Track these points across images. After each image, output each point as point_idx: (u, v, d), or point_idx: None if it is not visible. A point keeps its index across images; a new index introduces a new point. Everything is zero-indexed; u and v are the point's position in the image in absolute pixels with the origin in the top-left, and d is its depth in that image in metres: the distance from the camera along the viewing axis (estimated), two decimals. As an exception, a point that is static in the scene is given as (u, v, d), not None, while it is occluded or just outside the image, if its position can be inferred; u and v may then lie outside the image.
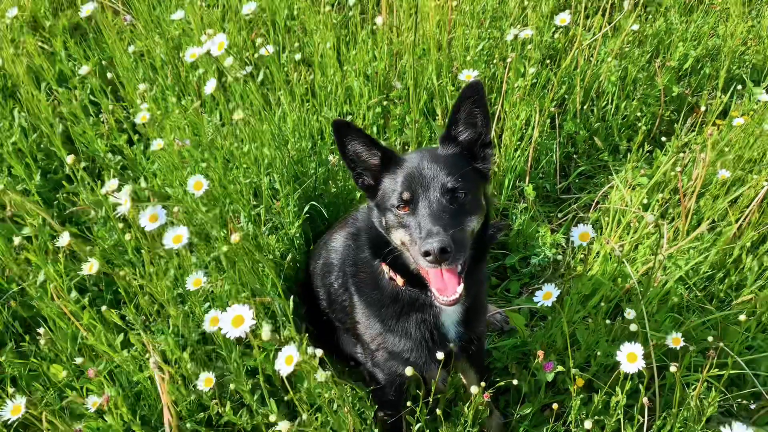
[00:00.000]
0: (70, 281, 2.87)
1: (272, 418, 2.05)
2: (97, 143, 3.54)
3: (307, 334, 2.87)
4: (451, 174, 2.05)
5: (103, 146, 3.57)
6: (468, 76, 3.44)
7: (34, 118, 3.52)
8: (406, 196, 2.06)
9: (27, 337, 2.74)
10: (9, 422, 2.14)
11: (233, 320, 2.01)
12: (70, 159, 2.31)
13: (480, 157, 2.22)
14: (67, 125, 3.63)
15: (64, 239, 2.30)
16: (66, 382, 2.64)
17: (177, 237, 2.22)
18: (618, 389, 2.42)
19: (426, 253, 1.89)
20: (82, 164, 3.56)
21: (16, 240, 2.73)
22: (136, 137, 3.53)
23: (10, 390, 2.33)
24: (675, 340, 2.37)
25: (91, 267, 2.17)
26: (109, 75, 3.46)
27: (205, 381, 2.19)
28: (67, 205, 3.29)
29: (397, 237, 2.10)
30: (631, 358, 2.20)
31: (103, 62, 4.05)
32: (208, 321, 2.19)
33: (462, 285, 2.02)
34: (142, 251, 2.77)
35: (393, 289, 2.29)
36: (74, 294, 2.73)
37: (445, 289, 2.03)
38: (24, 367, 2.78)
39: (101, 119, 3.72)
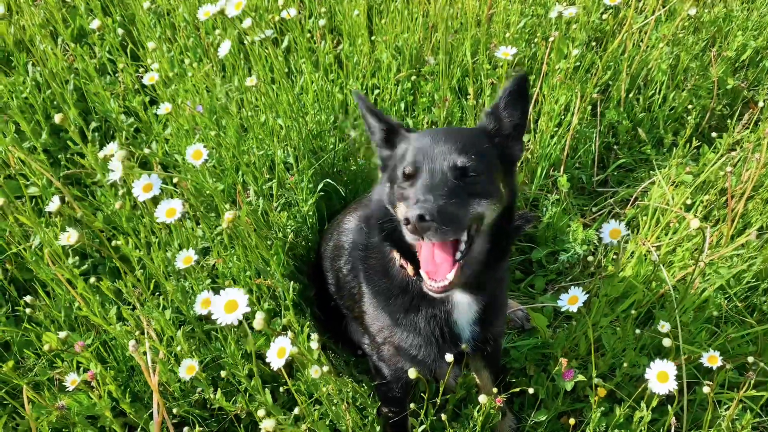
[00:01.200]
0: (69, 247, 2.74)
1: (261, 413, 1.88)
2: (110, 104, 3.39)
3: (309, 322, 2.71)
4: (465, 151, 1.85)
5: (117, 107, 3.42)
6: (505, 53, 3.18)
7: (48, 74, 3.38)
8: (409, 169, 1.88)
9: (22, 302, 2.62)
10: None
11: (226, 305, 1.84)
12: (58, 118, 2.15)
13: (509, 145, 2.04)
14: (80, 83, 3.49)
15: (55, 204, 2.15)
16: (57, 352, 2.52)
17: (170, 210, 2.05)
18: (643, 404, 2.22)
19: (406, 221, 1.69)
20: (94, 124, 3.44)
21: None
22: (147, 99, 3.37)
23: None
24: (711, 359, 2.14)
25: (69, 237, 2.02)
26: (120, 31, 3.29)
27: (188, 369, 2.04)
28: (70, 166, 3.16)
29: (400, 212, 1.91)
30: (662, 377, 1.98)
31: (125, 19, 3.90)
32: (200, 302, 2.02)
33: (454, 271, 1.80)
34: (144, 220, 2.63)
35: (403, 278, 2.10)
36: (72, 260, 2.60)
37: (435, 272, 1.81)
38: (16, 333, 2.67)
39: (118, 78, 3.57)
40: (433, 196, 1.74)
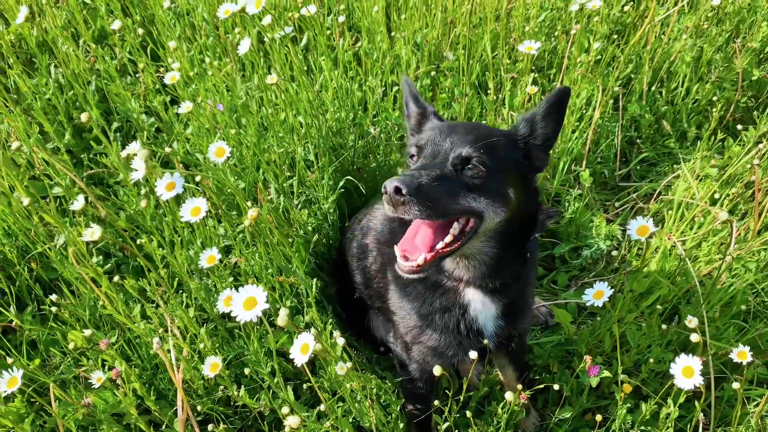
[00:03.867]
0: (93, 246, 2.76)
1: (285, 410, 1.88)
2: (131, 104, 3.41)
3: (332, 319, 2.71)
4: (475, 143, 1.80)
5: (138, 107, 3.44)
6: (529, 47, 3.15)
7: (70, 75, 3.40)
8: (414, 149, 1.88)
9: (47, 300, 2.65)
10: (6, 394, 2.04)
11: (245, 302, 1.84)
12: (84, 117, 2.16)
13: (535, 155, 1.99)
14: (102, 83, 3.52)
15: (79, 203, 2.16)
16: (82, 350, 2.54)
17: (195, 209, 2.05)
18: (670, 401, 2.18)
19: (384, 189, 1.64)
20: (116, 124, 3.46)
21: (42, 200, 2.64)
22: (168, 98, 3.38)
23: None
24: (741, 354, 2.09)
25: (92, 233, 2.03)
26: (140, 31, 3.30)
27: (212, 366, 2.04)
28: (93, 166, 3.18)
29: None
30: (687, 372, 1.95)
31: (145, 20, 3.92)
32: (222, 300, 2.02)
33: (427, 256, 1.74)
34: (167, 219, 2.64)
35: None
36: (96, 259, 2.62)
37: (411, 252, 1.77)
38: (42, 332, 2.70)
39: (139, 78, 3.59)
40: (421, 173, 1.70)
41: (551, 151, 3.42)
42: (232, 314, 1.81)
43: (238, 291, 1.84)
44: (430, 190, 1.66)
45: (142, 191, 2.53)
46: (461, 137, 1.82)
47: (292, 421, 1.69)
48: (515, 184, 1.87)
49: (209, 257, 2.19)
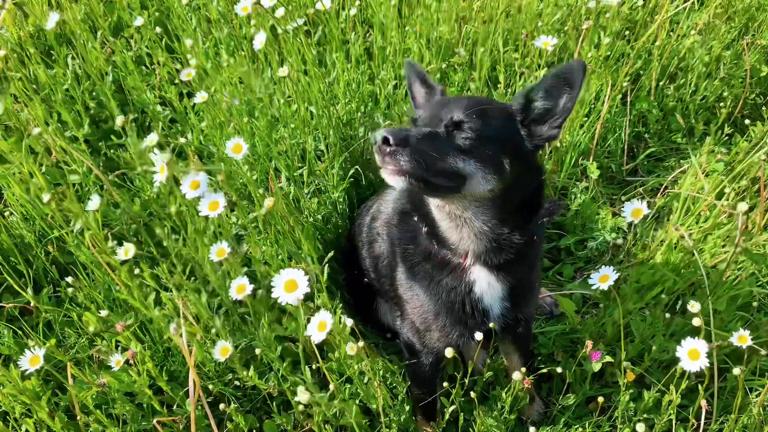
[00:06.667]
0: (109, 230, 2.83)
1: (300, 389, 1.92)
2: (147, 95, 3.49)
3: (341, 303, 2.76)
4: (469, 109, 1.83)
5: (153, 98, 3.51)
6: (546, 43, 3.20)
7: (88, 66, 3.48)
8: (412, 116, 1.94)
9: (63, 283, 2.72)
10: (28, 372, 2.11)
11: (286, 285, 1.89)
12: (119, 121, 2.23)
13: (536, 131, 1.95)
14: (119, 75, 3.59)
15: (94, 203, 2.23)
16: (97, 331, 2.61)
17: (213, 203, 2.10)
18: (672, 387, 2.21)
19: (374, 141, 1.69)
20: (132, 116, 3.53)
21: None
22: (186, 90, 3.46)
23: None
24: (741, 338, 2.12)
25: (126, 252, 2.12)
26: (158, 30, 3.38)
27: (222, 350, 2.09)
28: (111, 156, 3.26)
29: None
30: (693, 355, 1.98)
31: (162, 13, 3.99)
32: (235, 288, 2.07)
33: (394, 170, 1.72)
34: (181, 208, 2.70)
35: (427, 246, 2.14)
36: (111, 243, 2.68)
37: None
38: (58, 314, 2.77)
39: (154, 70, 3.67)
40: (412, 129, 1.76)
41: (558, 144, 3.50)
42: (273, 295, 1.86)
43: (253, 280, 1.89)
44: (418, 144, 1.70)
45: (156, 184, 2.58)
46: (459, 105, 1.86)
47: (302, 398, 1.74)
48: (510, 154, 1.88)
49: (219, 250, 2.24)
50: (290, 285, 1.89)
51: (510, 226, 1.99)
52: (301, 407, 2.29)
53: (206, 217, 2.72)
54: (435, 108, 1.93)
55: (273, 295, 1.90)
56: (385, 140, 1.65)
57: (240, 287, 2.13)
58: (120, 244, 2.99)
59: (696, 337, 2.03)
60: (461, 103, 1.87)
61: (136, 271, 2.49)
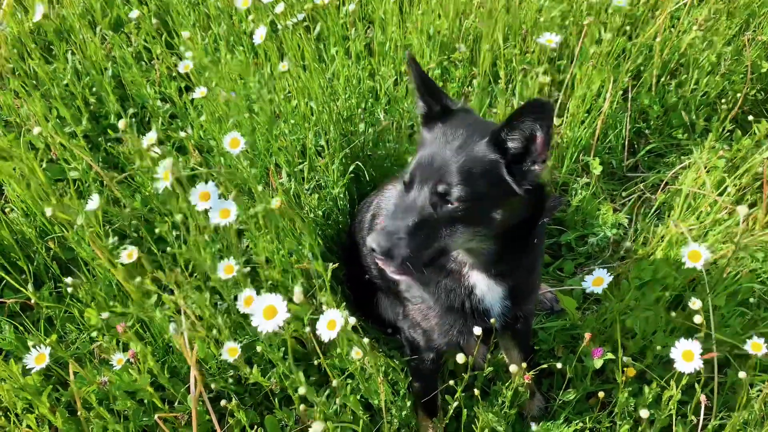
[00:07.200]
0: (110, 227, 2.83)
1: (302, 390, 1.92)
2: (146, 90, 3.48)
3: (342, 300, 2.76)
4: (452, 173, 1.80)
5: (153, 94, 3.51)
6: (549, 40, 3.19)
7: (88, 61, 3.47)
8: (407, 178, 1.90)
9: (64, 279, 2.72)
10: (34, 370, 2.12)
11: (265, 311, 1.87)
12: (122, 124, 2.22)
13: (521, 172, 1.85)
14: (118, 70, 3.58)
15: (94, 203, 2.22)
16: (97, 328, 2.61)
17: (225, 211, 2.10)
18: (672, 383, 2.21)
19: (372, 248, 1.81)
20: (132, 110, 3.53)
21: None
22: (183, 84, 3.45)
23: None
24: (755, 346, 2.10)
25: (130, 255, 2.12)
26: (154, 22, 3.37)
27: (230, 351, 2.09)
28: (110, 150, 3.25)
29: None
30: (687, 356, 1.98)
31: (160, 9, 3.98)
32: (242, 301, 2.07)
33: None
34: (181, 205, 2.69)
35: None
36: (111, 239, 2.67)
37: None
38: (59, 309, 2.77)
39: (153, 66, 3.66)
40: (400, 226, 1.80)
41: (559, 140, 3.49)
42: (253, 324, 1.86)
43: (257, 293, 1.89)
44: (406, 245, 1.79)
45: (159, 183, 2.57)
46: (442, 167, 1.83)
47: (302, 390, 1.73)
48: (500, 206, 1.86)
49: (227, 267, 2.23)
50: (269, 311, 1.87)
51: (508, 248, 2.00)
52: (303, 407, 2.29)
53: (205, 211, 2.73)
54: (424, 167, 1.86)
55: (253, 324, 1.88)
56: (373, 249, 1.78)
57: (247, 299, 2.11)
58: (121, 240, 3.00)
59: (693, 337, 2.03)
60: (446, 166, 1.82)
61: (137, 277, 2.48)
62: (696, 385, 2.15)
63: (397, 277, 1.88)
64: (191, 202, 2.09)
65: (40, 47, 3.68)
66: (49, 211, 2.23)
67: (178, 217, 2.16)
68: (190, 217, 2.47)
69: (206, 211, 2.13)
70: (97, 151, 3.37)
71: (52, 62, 3.58)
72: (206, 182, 2.13)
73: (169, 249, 2.48)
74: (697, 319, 2.05)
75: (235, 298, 2.68)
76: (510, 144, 1.83)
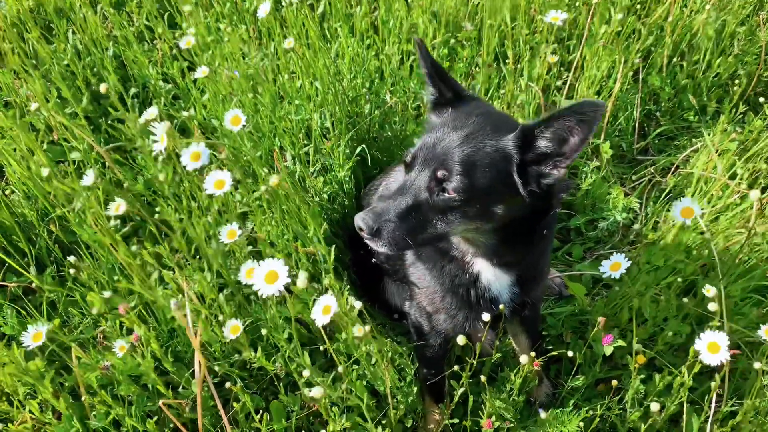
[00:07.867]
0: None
1: (306, 373, 1.89)
2: (148, 70, 3.42)
3: (349, 286, 2.72)
4: (453, 163, 1.74)
5: (155, 73, 3.44)
6: (554, 17, 3.11)
7: (88, 40, 3.41)
8: (408, 158, 1.85)
9: (67, 262, 2.68)
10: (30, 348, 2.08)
11: (266, 276, 1.85)
12: (103, 87, 2.17)
13: (536, 173, 1.77)
14: (119, 50, 3.52)
15: (89, 178, 2.17)
16: (101, 312, 2.58)
17: (219, 182, 2.05)
18: (684, 369, 2.18)
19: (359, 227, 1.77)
20: (133, 90, 3.47)
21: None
22: (185, 64, 3.38)
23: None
24: (769, 332, 2.06)
25: (117, 207, 2.06)
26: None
27: (232, 328, 2.06)
28: (111, 131, 3.19)
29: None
30: (713, 348, 1.94)
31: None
32: (244, 272, 2.03)
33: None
34: (184, 185, 2.64)
35: None
36: (113, 222, 2.63)
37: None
38: (62, 293, 2.74)
39: (155, 45, 3.59)
40: (389, 210, 1.75)
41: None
42: (254, 288, 1.83)
43: (258, 263, 1.85)
44: (395, 228, 1.75)
45: (159, 160, 2.53)
46: (445, 154, 1.76)
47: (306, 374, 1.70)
48: (501, 202, 1.80)
49: (230, 232, 2.20)
50: (271, 276, 1.86)
51: (511, 241, 1.95)
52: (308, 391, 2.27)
53: (210, 196, 2.69)
54: (428, 149, 1.81)
55: (254, 288, 1.86)
56: (360, 227, 1.74)
57: (249, 271, 2.08)
58: (124, 222, 2.96)
59: (709, 323, 1.99)
60: (451, 150, 1.76)
61: (134, 247, 2.45)
62: (710, 376, 2.12)
63: (384, 249, 1.79)
64: (182, 162, 2.08)
65: (40, 26, 3.61)
66: (45, 171, 2.20)
67: (161, 176, 2.11)
68: (191, 199, 2.44)
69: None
70: (98, 133, 3.31)
71: (53, 41, 3.52)
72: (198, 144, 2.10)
73: (172, 224, 2.44)
74: (712, 306, 2.00)
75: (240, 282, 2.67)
76: (540, 142, 1.74)
